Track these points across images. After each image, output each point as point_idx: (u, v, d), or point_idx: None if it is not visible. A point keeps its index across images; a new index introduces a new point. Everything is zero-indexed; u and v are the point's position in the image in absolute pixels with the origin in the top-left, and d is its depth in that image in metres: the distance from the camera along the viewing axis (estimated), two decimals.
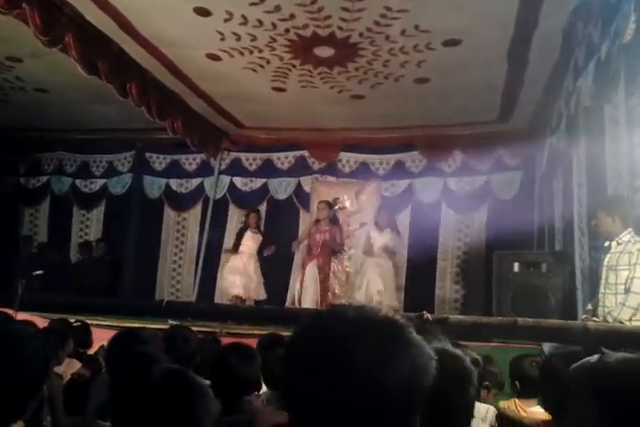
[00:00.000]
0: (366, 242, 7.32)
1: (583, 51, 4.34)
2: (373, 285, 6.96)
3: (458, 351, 1.51)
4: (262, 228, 8.08)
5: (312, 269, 7.15)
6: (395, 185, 8.65)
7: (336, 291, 7.13)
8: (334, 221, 7.31)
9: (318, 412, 0.80)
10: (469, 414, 1.50)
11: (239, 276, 7.51)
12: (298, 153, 8.91)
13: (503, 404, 2.95)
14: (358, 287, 7.02)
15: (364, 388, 0.79)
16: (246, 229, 7.81)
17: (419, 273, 8.34)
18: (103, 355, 3.71)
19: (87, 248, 9.20)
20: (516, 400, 2.87)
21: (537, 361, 3.49)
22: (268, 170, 9.02)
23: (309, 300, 6.98)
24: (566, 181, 5.58)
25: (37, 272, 5.44)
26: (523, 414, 2.76)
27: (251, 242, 7.70)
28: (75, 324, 4.57)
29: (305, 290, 7.11)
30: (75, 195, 9.70)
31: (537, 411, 2.64)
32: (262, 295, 7.58)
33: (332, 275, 7.16)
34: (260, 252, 7.72)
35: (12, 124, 8.59)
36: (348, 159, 8.80)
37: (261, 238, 7.77)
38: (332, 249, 7.23)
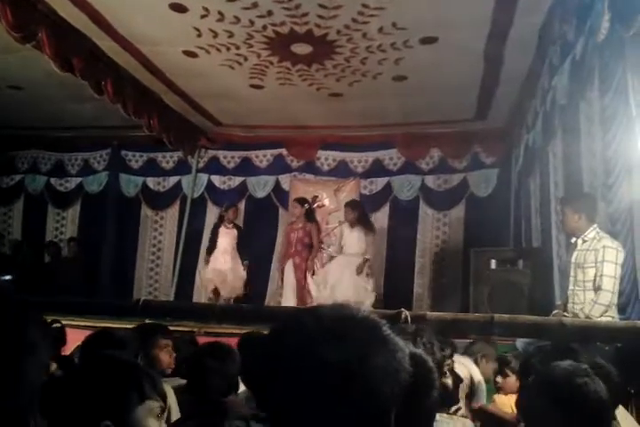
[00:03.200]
0: (338, 239, 7.23)
1: (558, 49, 4.39)
2: (344, 282, 6.87)
3: (422, 353, 1.51)
4: (240, 224, 8.02)
5: (289, 269, 7.10)
6: (373, 183, 8.70)
7: (311, 291, 7.03)
8: (310, 218, 7.23)
9: (297, 410, 0.80)
10: (432, 418, 1.52)
11: (216, 274, 7.42)
12: (276, 151, 8.89)
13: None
14: (331, 286, 6.94)
15: (342, 386, 0.79)
16: (220, 226, 7.65)
17: (397, 270, 8.39)
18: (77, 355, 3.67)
19: (55, 248, 9.10)
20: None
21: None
22: (246, 168, 8.98)
23: (289, 299, 6.94)
24: (543, 179, 5.65)
25: (6, 277, 5.22)
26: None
27: (225, 238, 7.55)
28: (53, 325, 4.51)
29: (284, 289, 7.08)
30: (49, 193, 9.57)
31: None
32: (239, 292, 7.45)
33: (308, 274, 7.08)
34: (238, 247, 7.57)
35: None
36: (327, 157, 8.80)
37: (236, 233, 7.63)
38: (309, 247, 7.15)
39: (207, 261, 7.59)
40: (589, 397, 1.35)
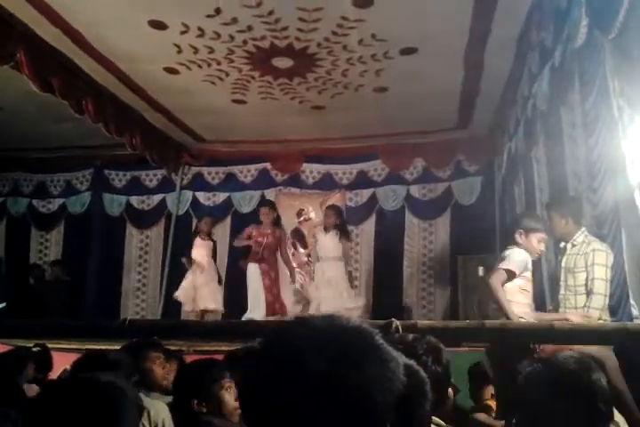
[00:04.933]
0: (314, 246, 7.08)
1: (537, 56, 4.44)
2: (323, 290, 6.76)
3: (414, 364, 1.50)
4: (226, 240, 7.92)
5: (255, 274, 6.76)
6: (358, 194, 8.73)
7: (285, 303, 6.79)
8: (277, 223, 6.96)
9: (289, 422, 0.78)
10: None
11: (188, 289, 7.16)
12: (260, 166, 8.88)
13: None
14: (310, 293, 6.84)
15: (334, 396, 0.77)
16: (195, 237, 7.43)
17: (385, 280, 8.40)
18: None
19: (38, 271, 8.98)
20: None
21: None
22: (230, 184, 8.96)
23: (254, 304, 6.66)
24: (527, 185, 5.69)
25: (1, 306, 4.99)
26: None
27: (200, 249, 7.31)
28: (34, 348, 4.42)
29: (248, 292, 6.77)
30: (32, 216, 9.45)
31: None
32: (214, 305, 7.19)
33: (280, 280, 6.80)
34: (213, 259, 7.35)
35: None
36: (312, 170, 8.81)
37: (212, 244, 7.42)
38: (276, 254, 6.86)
39: (188, 265, 7.30)
40: (596, 387, 1.34)
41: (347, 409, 0.78)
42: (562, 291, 3.88)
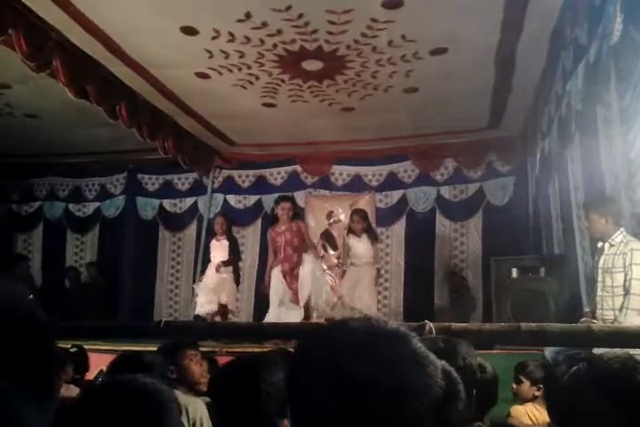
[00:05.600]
0: (345, 251, 7.08)
1: (571, 54, 4.37)
2: (358, 294, 6.75)
3: (446, 364, 1.48)
4: (257, 242, 7.89)
5: (276, 276, 6.69)
6: (388, 196, 8.68)
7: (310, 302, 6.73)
8: (295, 216, 6.86)
9: (323, 424, 0.79)
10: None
11: (205, 293, 7.02)
12: (290, 168, 8.92)
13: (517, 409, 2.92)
14: (345, 297, 6.84)
15: (373, 399, 0.77)
16: (211, 240, 7.36)
17: (417, 282, 8.34)
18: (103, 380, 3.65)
19: (74, 273, 9.15)
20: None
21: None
22: (261, 186, 9.02)
23: (275, 308, 6.58)
24: (562, 185, 5.59)
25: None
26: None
27: (216, 252, 7.20)
28: (72, 349, 4.52)
29: (270, 298, 6.71)
30: (68, 219, 9.66)
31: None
32: (230, 305, 7.06)
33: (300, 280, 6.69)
34: (229, 259, 7.09)
35: (2, 151, 8.56)
36: (341, 172, 8.81)
37: (227, 244, 7.17)
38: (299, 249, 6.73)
39: (200, 280, 7.27)
40: None
41: (383, 414, 0.77)
42: (599, 292, 3.82)
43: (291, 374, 0.86)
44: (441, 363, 1.41)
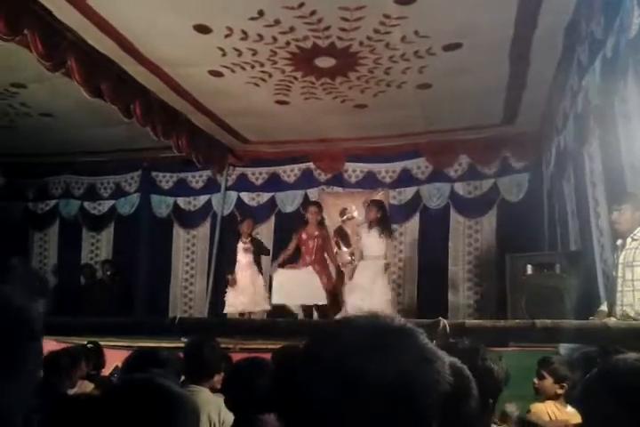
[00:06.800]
0: (356, 243, 7.08)
1: (586, 48, 4.32)
2: (368, 288, 6.74)
3: (457, 362, 1.47)
4: (270, 240, 7.94)
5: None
6: (402, 193, 8.65)
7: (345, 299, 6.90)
8: (323, 225, 7.11)
9: (334, 424, 0.79)
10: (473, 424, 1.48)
11: (240, 294, 7.22)
12: (303, 165, 8.92)
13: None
14: (350, 291, 6.84)
15: (380, 398, 0.77)
16: (237, 242, 7.49)
17: (430, 280, 8.30)
18: (118, 376, 3.69)
19: (90, 270, 9.23)
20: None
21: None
22: (274, 184, 9.03)
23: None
24: (578, 181, 5.54)
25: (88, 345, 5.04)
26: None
27: (244, 253, 7.39)
28: (88, 345, 4.57)
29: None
30: (84, 217, 9.73)
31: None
32: (266, 307, 7.25)
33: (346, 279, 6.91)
34: (256, 260, 7.37)
35: (18, 150, 8.66)
36: (354, 169, 8.80)
37: (251, 246, 7.40)
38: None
39: (232, 284, 7.37)
40: None
41: (390, 410, 0.77)
42: (619, 287, 3.78)
43: (296, 372, 0.86)
44: (451, 360, 1.41)
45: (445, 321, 3.84)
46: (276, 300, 6.96)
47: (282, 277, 6.92)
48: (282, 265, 7.10)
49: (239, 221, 7.81)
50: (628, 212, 3.67)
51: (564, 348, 4.09)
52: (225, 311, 7.25)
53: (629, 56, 3.46)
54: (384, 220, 6.86)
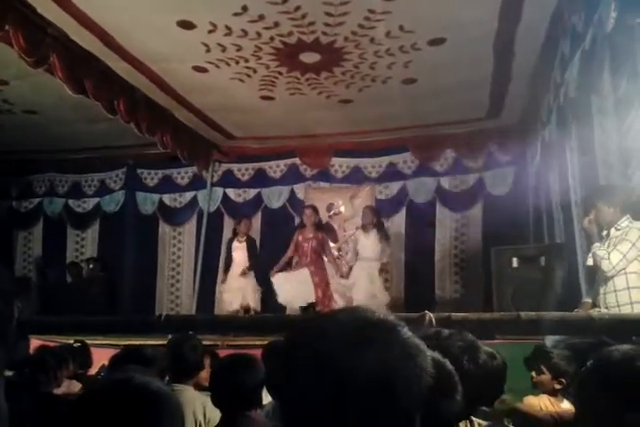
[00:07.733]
0: (354, 246, 7.26)
1: (568, 42, 4.35)
2: (362, 288, 6.86)
3: (440, 357, 1.47)
4: (257, 236, 7.99)
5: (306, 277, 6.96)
6: (388, 187, 8.68)
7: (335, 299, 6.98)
8: (319, 226, 7.19)
9: (318, 418, 0.79)
10: (456, 421, 1.48)
11: (234, 292, 7.38)
12: (289, 161, 8.91)
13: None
14: (347, 291, 6.93)
15: (363, 391, 0.77)
16: (233, 240, 7.66)
17: (417, 274, 8.34)
18: (104, 375, 3.68)
19: (75, 268, 9.16)
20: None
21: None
22: (260, 179, 9.01)
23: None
24: (562, 174, 5.58)
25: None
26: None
27: (239, 252, 7.56)
28: (75, 344, 4.54)
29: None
30: (68, 215, 9.65)
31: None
32: (253, 304, 7.39)
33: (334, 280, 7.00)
34: (249, 259, 7.52)
35: (0, 148, 8.55)
36: (341, 164, 8.80)
37: (246, 245, 7.59)
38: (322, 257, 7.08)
39: (224, 280, 7.55)
40: None
41: (372, 404, 0.77)
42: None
43: (278, 368, 0.86)
44: (433, 354, 1.42)
45: (431, 314, 3.85)
46: (281, 301, 7.03)
47: (280, 280, 6.97)
48: (280, 270, 7.14)
49: (236, 221, 7.91)
50: (603, 208, 3.71)
51: (549, 340, 4.12)
52: (229, 310, 7.35)
53: (606, 50, 3.49)
54: (381, 225, 7.14)
